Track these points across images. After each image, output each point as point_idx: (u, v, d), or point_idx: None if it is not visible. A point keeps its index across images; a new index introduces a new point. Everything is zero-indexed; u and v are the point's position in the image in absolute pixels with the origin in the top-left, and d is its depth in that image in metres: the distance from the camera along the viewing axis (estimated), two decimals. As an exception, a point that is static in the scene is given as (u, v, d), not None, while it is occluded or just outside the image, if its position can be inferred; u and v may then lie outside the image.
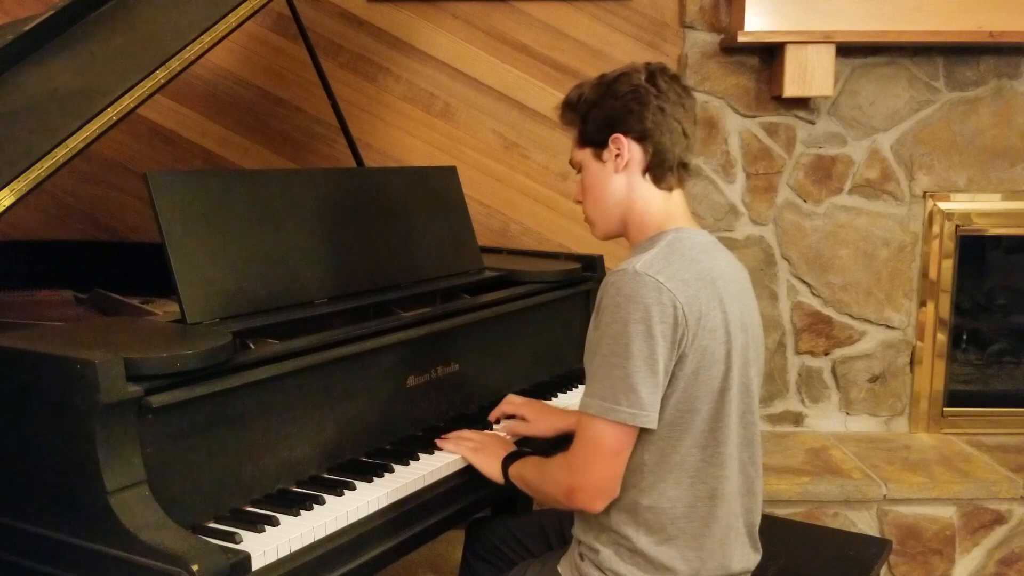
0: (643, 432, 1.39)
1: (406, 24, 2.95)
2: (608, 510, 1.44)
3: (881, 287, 2.96)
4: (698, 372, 1.39)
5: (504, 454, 1.65)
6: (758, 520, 1.55)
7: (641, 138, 1.47)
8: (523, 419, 1.85)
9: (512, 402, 1.88)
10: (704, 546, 1.44)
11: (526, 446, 1.77)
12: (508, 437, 1.79)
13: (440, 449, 1.71)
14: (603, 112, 1.48)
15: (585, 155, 1.52)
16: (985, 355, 3.11)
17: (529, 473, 1.57)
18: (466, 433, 1.74)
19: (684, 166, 1.52)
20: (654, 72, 1.48)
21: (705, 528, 1.44)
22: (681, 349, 1.37)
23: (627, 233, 1.53)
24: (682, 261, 1.41)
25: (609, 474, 1.40)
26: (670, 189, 1.51)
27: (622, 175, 1.49)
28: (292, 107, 3.02)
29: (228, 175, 1.87)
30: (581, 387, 2.04)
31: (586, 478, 1.40)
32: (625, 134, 1.47)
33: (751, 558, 1.52)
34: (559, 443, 1.79)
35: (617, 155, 1.48)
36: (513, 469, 1.61)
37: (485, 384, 1.99)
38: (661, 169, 1.48)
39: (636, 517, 1.43)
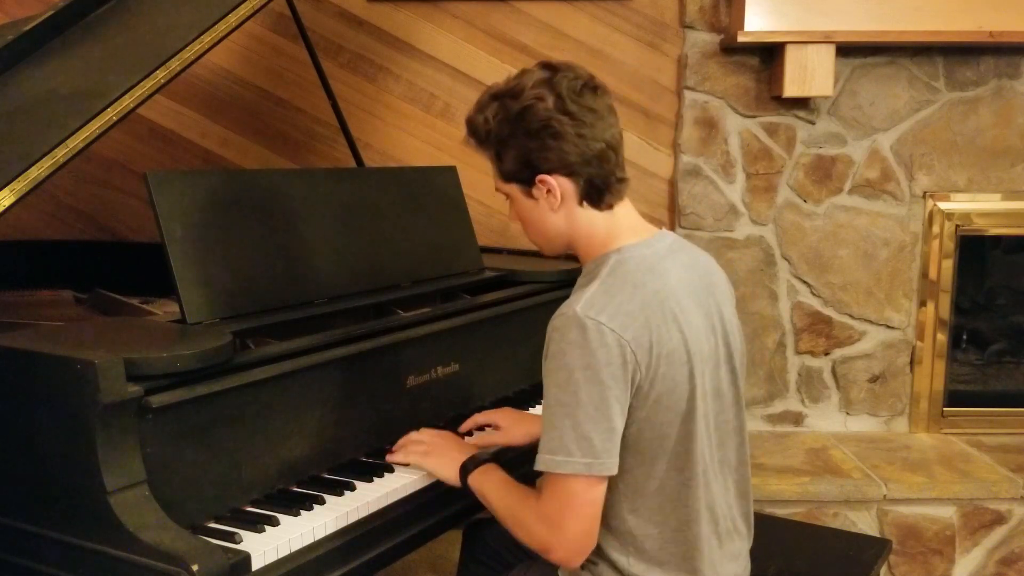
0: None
1: (406, 24, 2.95)
2: (599, 537, 1.42)
3: (881, 287, 2.96)
4: (660, 400, 1.35)
5: (461, 458, 1.57)
6: (751, 511, 1.54)
7: (569, 173, 1.38)
8: (496, 427, 1.79)
9: (484, 413, 1.82)
10: (698, 569, 1.42)
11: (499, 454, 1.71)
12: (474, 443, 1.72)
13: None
14: (518, 151, 1.39)
15: (512, 189, 1.44)
16: (985, 355, 3.11)
17: (496, 498, 1.49)
18: (415, 436, 1.67)
19: (620, 180, 1.42)
20: (561, 92, 1.36)
21: (694, 549, 1.42)
22: (635, 384, 1.33)
23: (576, 253, 1.48)
24: (624, 291, 1.34)
25: (585, 527, 1.35)
26: (610, 208, 1.43)
27: (560, 210, 1.41)
28: (292, 107, 3.02)
29: (228, 175, 1.87)
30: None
31: (564, 536, 1.35)
32: (550, 172, 1.38)
33: (744, 550, 1.52)
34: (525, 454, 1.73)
35: (548, 193, 1.40)
36: (475, 482, 1.53)
37: (485, 384, 1.99)
38: (597, 194, 1.40)
39: (626, 545, 1.42)
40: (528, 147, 1.38)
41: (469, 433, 1.80)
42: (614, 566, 1.44)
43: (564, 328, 1.32)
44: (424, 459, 1.60)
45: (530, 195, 1.42)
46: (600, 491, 1.35)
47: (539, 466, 1.35)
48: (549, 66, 1.40)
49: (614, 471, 1.34)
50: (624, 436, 1.35)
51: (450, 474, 1.56)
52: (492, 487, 1.50)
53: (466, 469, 1.55)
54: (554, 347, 1.34)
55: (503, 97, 1.40)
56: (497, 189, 1.49)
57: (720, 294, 1.49)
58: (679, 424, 1.37)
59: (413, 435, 1.67)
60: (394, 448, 1.66)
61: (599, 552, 1.44)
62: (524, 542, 1.43)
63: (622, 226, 1.44)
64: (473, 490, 1.53)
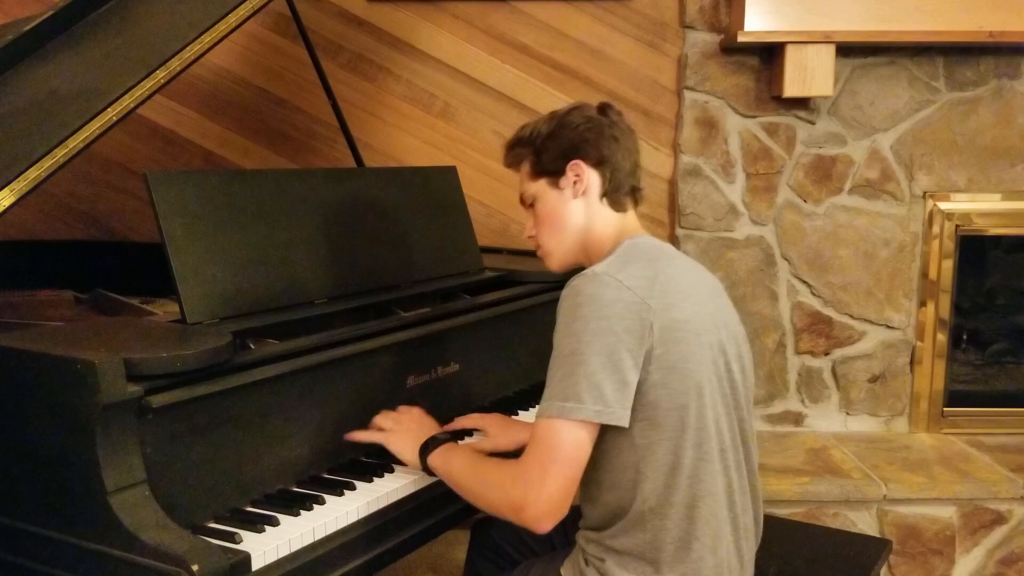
0: (627, 439, 1.36)
1: (406, 24, 2.95)
2: (608, 530, 1.42)
3: (881, 287, 2.96)
4: (675, 366, 1.36)
5: (423, 438, 1.58)
6: (761, 514, 1.54)
7: (598, 163, 1.51)
8: (484, 433, 1.79)
9: (471, 416, 1.82)
10: (700, 571, 1.41)
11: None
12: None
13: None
14: (559, 142, 1.52)
15: (540, 186, 1.55)
16: (985, 355, 3.11)
17: (460, 470, 1.48)
18: (379, 418, 1.66)
19: (636, 190, 1.56)
20: (604, 106, 1.55)
21: (710, 530, 1.41)
22: (650, 345, 1.34)
23: (587, 257, 1.55)
24: (641, 261, 1.43)
25: (563, 486, 1.33)
26: (625, 210, 1.55)
27: (580, 200, 1.52)
28: (292, 107, 3.02)
29: (228, 175, 1.87)
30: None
31: (541, 491, 1.32)
32: (583, 159, 1.51)
33: (752, 550, 1.52)
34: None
35: (575, 181, 1.51)
36: (435, 459, 1.53)
37: (485, 384, 1.99)
38: (618, 193, 1.53)
39: (640, 531, 1.40)
40: (569, 136, 1.52)
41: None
42: (621, 560, 1.42)
43: (580, 285, 1.38)
44: (385, 437, 1.62)
45: (556, 186, 1.53)
46: (587, 453, 1.35)
47: (547, 412, 1.34)
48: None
49: (625, 423, 1.34)
50: (643, 405, 1.35)
51: (410, 455, 1.58)
52: (457, 461, 1.51)
53: (426, 448, 1.56)
54: (568, 303, 1.38)
55: (552, 112, 1.57)
56: (522, 197, 1.59)
57: (723, 299, 1.54)
58: (696, 396, 1.38)
59: (379, 416, 1.67)
60: (357, 433, 1.65)
61: (607, 547, 1.43)
62: (491, 508, 1.41)
63: (631, 227, 1.55)
64: (434, 470, 1.54)
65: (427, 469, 1.56)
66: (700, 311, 1.42)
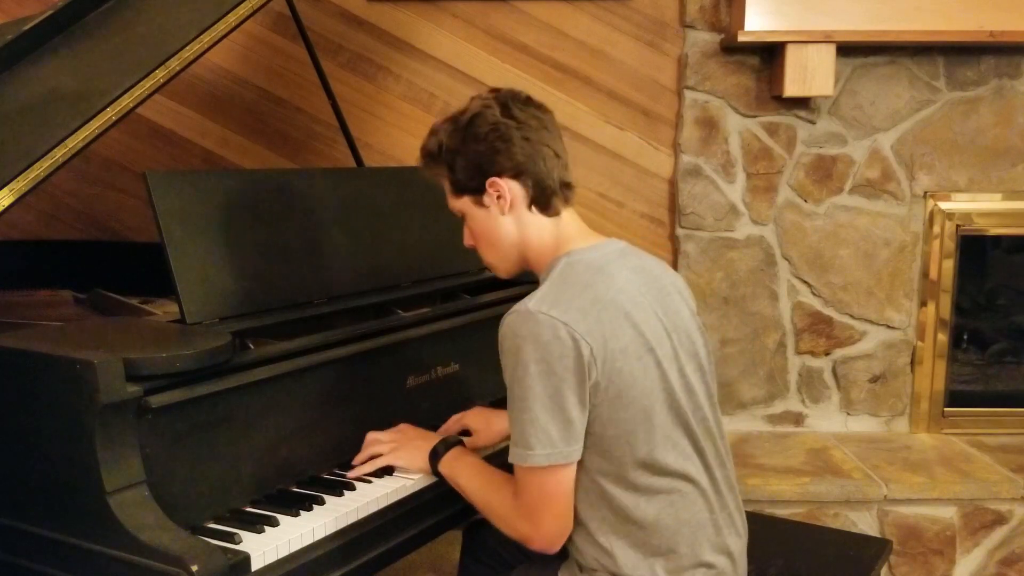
0: (589, 466, 1.39)
1: (406, 24, 2.94)
2: (600, 537, 1.43)
3: (882, 287, 2.96)
4: (620, 395, 1.36)
5: (428, 446, 1.60)
6: (742, 505, 1.54)
7: (517, 174, 1.45)
8: (468, 431, 1.79)
9: (455, 418, 1.82)
10: (699, 555, 1.43)
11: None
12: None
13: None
14: (469, 158, 1.46)
15: (465, 203, 1.50)
16: (986, 355, 3.11)
17: (470, 485, 1.53)
18: (372, 437, 1.66)
19: (566, 186, 1.49)
20: (506, 103, 1.45)
21: (690, 539, 1.42)
22: (592, 379, 1.34)
23: (530, 266, 1.52)
24: (575, 289, 1.38)
25: (559, 514, 1.40)
26: (558, 213, 1.48)
27: (509, 215, 1.47)
28: (292, 107, 3.02)
29: (228, 175, 1.87)
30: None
31: (541, 527, 1.40)
32: (499, 175, 1.44)
33: (741, 546, 1.52)
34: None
35: (499, 197, 1.46)
36: (446, 468, 1.57)
37: (485, 384, 1.99)
38: (545, 198, 1.46)
39: (620, 534, 1.42)
40: (478, 152, 1.45)
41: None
42: (608, 570, 1.44)
43: (517, 324, 1.36)
44: (389, 458, 1.62)
45: (481, 204, 1.48)
46: (567, 477, 1.38)
47: (512, 458, 1.39)
48: (496, 88, 1.50)
49: (575, 458, 1.37)
50: (591, 435, 1.38)
51: (421, 463, 1.60)
52: (465, 474, 1.54)
53: (437, 455, 1.58)
54: (508, 343, 1.37)
55: (454, 116, 1.50)
56: (451, 208, 1.54)
57: (672, 297, 1.50)
58: (644, 420, 1.38)
59: (371, 436, 1.66)
60: (355, 461, 1.63)
61: (602, 549, 1.43)
62: (499, 526, 1.48)
63: (568, 233, 1.49)
64: (445, 476, 1.56)
65: (439, 476, 1.58)
66: (642, 330, 1.40)
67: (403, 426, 1.70)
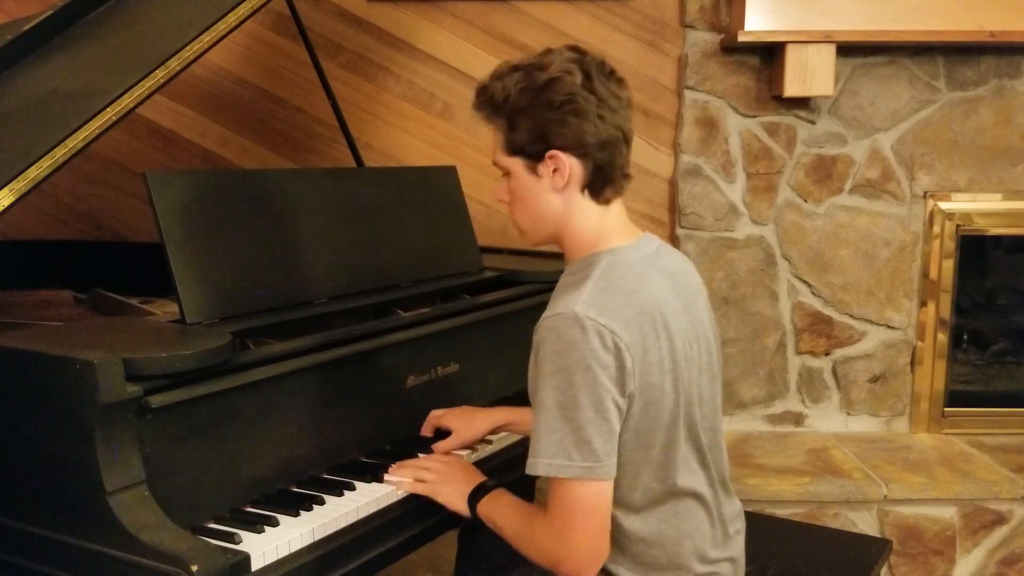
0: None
1: (406, 24, 2.94)
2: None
3: (882, 287, 2.96)
4: (647, 408, 1.32)
5: (468, 488, 1.52)
6: (740, 508, 1.54)
7: (582, 154, 1.34)
8: (447, 431, 1.74)
9: (435, 415, 1.77)
10: (691, 567, 1.42)
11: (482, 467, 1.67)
12: (463, 456, 1.69)
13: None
14: (535, 123, 1.34)
15: (515, 164, 1.39)
16: (986, 355, 3.11)
17: (504, 521, 1.45)
18: (422, 463, 1.60)
19: (625, 176, 1.40)
20: (590, 72, 1.33)
21: (692, 549, 1.41)
22: (629, 390, 1.30)
23: (560, 245, 1.45)
24: (621, 295, 1.32)
25: (594, 534, 1.31)
26: (608, 203, 1.40)
27: (560, 192, 1.37)
28: (292, 107, 3.02)
29: (228, 175, 1.87)
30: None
31: (572, 546, 1.30)
32: (563, 150, 1.34)
33: (740, 543, 1.51)
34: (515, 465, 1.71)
35: (555, 171, 1.35)
36: (484, 510, 1.49)
37: (485, 384, 1.99)
38: (601, 184, 1.37)
39: (623, 557, 1.40)
40: (547, 119, 1.33)
41: (437, 439, 1.74)
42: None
43: (562, 329, 1.29)
44: (432, 488, 1.55)
45: (534, 171, 1.38)
46: (605, 494, 1.31)
47: (536, 470, 1.31)
48: (578, 49, 1.37)
49: (613, 474, 1.31)
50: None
51: (460, 505, 1.52)
52: (500, 512, 1.46)
53: (475, 498, 1.51)
54: (549, 347, 1.30)
55: (528, 68, 1.35)
56: (495, 163, 1.43)
57: (698, 303, 1.47)
58: (663, 432, 1.35)
59: (420, 462, 1.61)
60: (393, 469, 1.59)
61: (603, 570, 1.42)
62: (536, 561, 1.39)
63: (612, 226, 1.42)
64: (482, 518, 1.49)
65: (476, 517, 1.50)
66: (677, 340, 1.35)
67: (450, 460, 1.63)
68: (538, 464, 1.30)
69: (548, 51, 1.38)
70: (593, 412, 1.27)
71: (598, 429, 1.28)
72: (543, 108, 1.33)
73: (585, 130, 1.33)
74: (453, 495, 1.53)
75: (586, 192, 1.38)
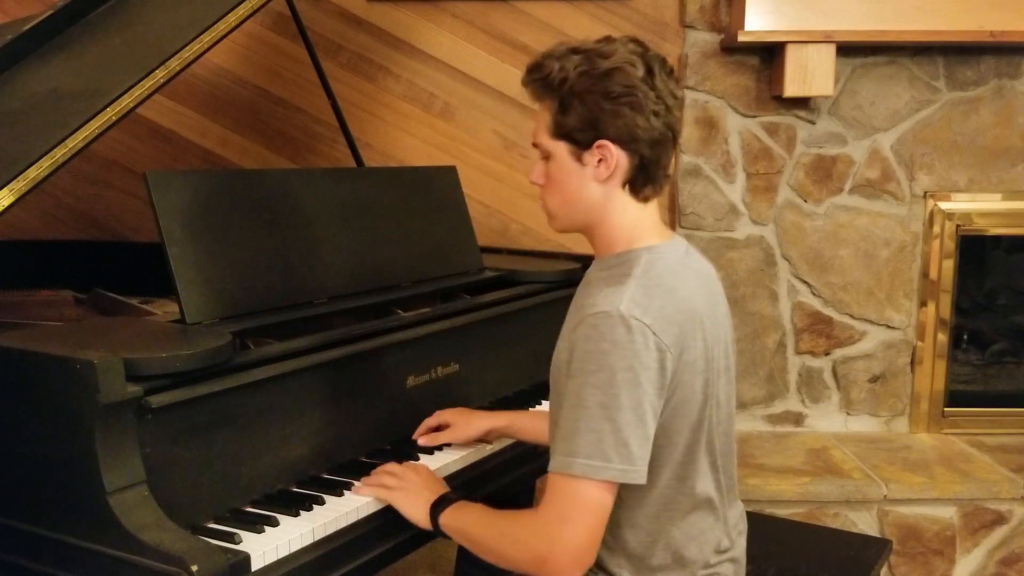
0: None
1: (406, 24, 2.94)
2: (607, 562, 1.40)
3: (882, 287, 2.96)
4: (677, 408, 1.32)
5: (432, 497, 1.46)
6: (743, 511, 1.54)
7: (631, 149, 1.32)
8: (446, 425, 1.73)
9: (437, 414, 1.76)
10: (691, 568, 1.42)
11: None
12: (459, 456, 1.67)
13: (442, 448, 1.72)
14: (589, 109, 1.31)
15: (559, 147, 1.35)
16: (986, 355, 3.11)
17: (475, 527, 1.39)
18: (389, 468, 1.55)
19: (666, 176, 1.39)
20: (652, 67, 1.31)
21: (695, 551, 1.41)
22: (665, 392, 1.29)
23: (591, 238, 1.42)
24: (662, 295, 1.30)
25: (589, 539, 1.27)
26: (646, 201, 1.38)
27: (602, 184, 1.35)
28: (292, 107, 3.02)
29: (228, 175, 1.87)
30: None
31: (563, 545, 1.25)
32: (613, 141, 1.31)
33: (741, 545, 1.52)
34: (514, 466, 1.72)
35: (600, 162, 1.33)
36: (447, 519, 1.42)
37: (485, 384, 1.99)
38: (644, 181, 1.35)
39: (620, 556, 1.40)
40: (602, 108, 1.30)
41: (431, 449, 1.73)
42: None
43: (607, 327, 1.26)
44: (391, 495, 1.49)
45: (579, 159, 1.35)
46: (610, 499, 1.28)
47: (568, 468, 1.26)
48: (640, 41, 1.36)
49: (643, 481, 1.28)
50: None
51: (419, 515, 1.46)
52: (471, 519, 1.41)
53: (437, 508, 1.44)
54: (592, 345, 1.27)
55: (589, 53, 1.32)
56: (535, 143, 1.39)
57: (720, 306, 1.46)
58: (688, 433, 1.35)
59: (387, 466, 1.56)
60: (363, 481, 1.54)
61: (598, 563, 1.41)
62: (512, 564, 1.34)
63: (646, 224, 1.39)
64: (446, 529, 1.42)
65: (438, 529, 1.44)
66: (709, 341, 1.35)
67: (419, 468, 1.58)
68: (574, 464, 1.26)
69: (609, 39, 1.35)
70: (632, 414, 1.25)
71: (635, 432, 1.25)
72: (600, 96, 1.30)
73: (638, 125, 1.31)
74: (413, 506, 1.47)
75: (627, 187, 1.36)
